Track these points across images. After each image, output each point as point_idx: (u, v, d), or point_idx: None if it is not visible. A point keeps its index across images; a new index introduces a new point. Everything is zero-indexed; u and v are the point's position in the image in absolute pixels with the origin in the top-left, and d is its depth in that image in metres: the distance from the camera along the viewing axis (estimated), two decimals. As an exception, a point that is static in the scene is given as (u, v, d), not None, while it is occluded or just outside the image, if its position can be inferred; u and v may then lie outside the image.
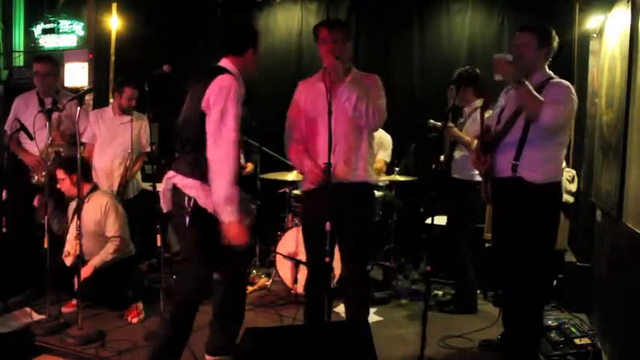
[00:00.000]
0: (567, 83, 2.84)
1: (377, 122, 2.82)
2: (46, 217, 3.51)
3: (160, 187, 2.78)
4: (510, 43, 3.06)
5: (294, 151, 2.96)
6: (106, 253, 3.70)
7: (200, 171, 2.55)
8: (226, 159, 2.50)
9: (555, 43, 2.89)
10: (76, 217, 3.44)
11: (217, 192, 2.50)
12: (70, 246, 3.78)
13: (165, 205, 2.74)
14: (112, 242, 3.73)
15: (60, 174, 3.71)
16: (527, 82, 2.71)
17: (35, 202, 3.83)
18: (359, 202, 2.90)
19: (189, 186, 2.58)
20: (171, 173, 2.69)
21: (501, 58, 2.79)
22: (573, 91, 2.82)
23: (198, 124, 2.55)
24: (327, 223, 2.56)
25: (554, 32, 2.89)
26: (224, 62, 2.71)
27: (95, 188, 3.86)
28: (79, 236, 3.33)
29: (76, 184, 3.41)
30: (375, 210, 3.24)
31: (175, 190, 2.64)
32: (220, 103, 2.49)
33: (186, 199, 2.57)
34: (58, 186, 3.75)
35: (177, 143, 2.72)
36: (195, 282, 2.67)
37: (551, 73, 2.91)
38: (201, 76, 2.66)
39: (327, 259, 2.65)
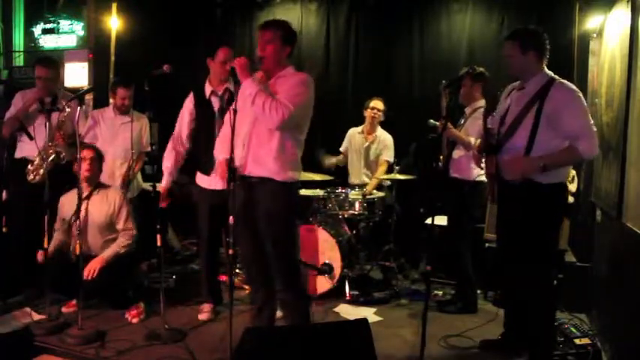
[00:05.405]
0: (572, 86, 2.83)
1: (276, 119, 2.70)
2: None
3: (159, 186, 2.78)
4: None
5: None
6: (119, 246, 3.74)
7: None
8: None
9: (546, 44, 2.87)
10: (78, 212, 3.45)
11: None
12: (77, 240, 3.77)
13: None
14: (123, 235, 3.79)
15: (88, 153, 3.73)
16: (543, 163, 2.73)
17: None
18: (266, 199, 2.85)
19: None
20: None
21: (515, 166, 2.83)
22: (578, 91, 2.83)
23: None
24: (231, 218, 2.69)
25: (540, 33, 2.89)
26: None
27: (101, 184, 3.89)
28: (79, 235, 3.33)
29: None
30: (291, 208, 2.95)
31: None
32: None
33: None
34: (75, 165, 3.62)
35: None
36: None
37: (551, 73, 2.88)
38: None
39: (230, 252, 2.72)
